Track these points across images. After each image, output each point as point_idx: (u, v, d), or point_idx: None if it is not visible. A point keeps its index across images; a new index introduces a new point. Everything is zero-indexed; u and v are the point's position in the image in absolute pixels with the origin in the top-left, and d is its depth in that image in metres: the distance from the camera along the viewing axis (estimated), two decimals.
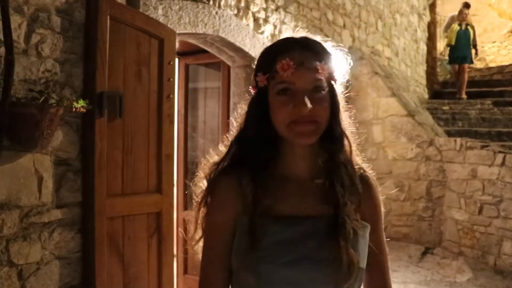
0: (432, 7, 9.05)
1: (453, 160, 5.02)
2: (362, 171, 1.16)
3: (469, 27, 8.15)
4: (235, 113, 3.46)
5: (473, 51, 8.26)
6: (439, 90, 9.03)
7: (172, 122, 2.90)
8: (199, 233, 1.16)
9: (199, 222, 1.16)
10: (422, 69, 8.54)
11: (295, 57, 1.03)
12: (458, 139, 4.99)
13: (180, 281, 4.09)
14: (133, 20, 2.65)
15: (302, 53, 1.04)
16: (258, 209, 1.05)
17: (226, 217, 1.09)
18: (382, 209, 1.19)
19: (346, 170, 1.10)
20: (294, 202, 1.08)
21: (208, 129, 4.44)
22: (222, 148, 1.19)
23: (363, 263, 1.06)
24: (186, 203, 4.33)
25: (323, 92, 1.04)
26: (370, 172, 1.18)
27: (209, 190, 1.12)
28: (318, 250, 1.02)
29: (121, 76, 2.61)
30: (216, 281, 1.09)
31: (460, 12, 8.14)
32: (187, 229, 1.26)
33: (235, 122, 1.20)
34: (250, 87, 1.15)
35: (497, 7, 12.11)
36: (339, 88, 1.11)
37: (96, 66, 2.46)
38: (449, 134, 5.84)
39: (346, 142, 1.11)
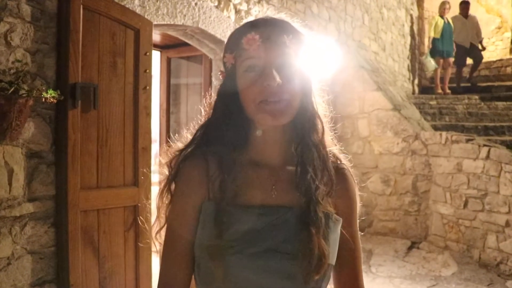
0: (420, 2, 9.04)
1: (439, 154, 5.01)
2: (338, 161, 1.10)
3: (450, 21, 8.05)
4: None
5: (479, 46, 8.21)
6: (427, 85, 9.04)
7: (148, 114, 2.85)
8: (162, 222, 1.11)
9: (161, 210, 1.10)
10: (409, 64, 8.54)
11: (260, 32, 0.99)
12: (444, 133, 4.98)
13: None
14: (107, 10, 2.60)
15: (268, 28, 1.00)
16: (225, 196, 0.99)
17: (191, 203, 1.03)
18: (358, 204, 1.12)
19: (318, 152, 1.04)
20: (264, 190, 1.02)
21: (190, 123, 4.39)
22: (187, 135, 1.14)
23: (333, 259, 1.01)
24: None
25: (292, 68, 0.99)
26: (346, 163, 1.12)
27: (173, 176, 1.07)
28: (286, 241, 0.97)
29: (95, 67, 2.56)
30: (180, 270, 1.04)
31: (442, 3, 8.04)
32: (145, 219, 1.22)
33: (203, 111, 1.15)
34: (219, 72, 1.12)
35: (485, 4, 12.14)
36: (309, 67, 1.05)
37: (69, 57, 2.41)
38: (436, 128, 5.83)
39: (318, 122, 1.05)
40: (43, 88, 2.24)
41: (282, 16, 1.06)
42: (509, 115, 6.78)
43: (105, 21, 2.60)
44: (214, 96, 1.11)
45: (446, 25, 7.94)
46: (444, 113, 6.78)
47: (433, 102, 7.34)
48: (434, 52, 8.09)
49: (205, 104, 1.14)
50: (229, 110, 1.03)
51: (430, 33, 8.14)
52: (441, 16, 7.95)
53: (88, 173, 2.52)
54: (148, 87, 2.82)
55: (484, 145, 4.53)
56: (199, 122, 1.13)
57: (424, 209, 5.20)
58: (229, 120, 1.03)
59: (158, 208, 1.11)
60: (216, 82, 4.07)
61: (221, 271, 0.95)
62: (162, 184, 1.09)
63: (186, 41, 3.74)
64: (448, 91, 7.98)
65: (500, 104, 7.27)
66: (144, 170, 2.76)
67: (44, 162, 2.43)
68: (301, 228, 0.97)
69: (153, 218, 1.20)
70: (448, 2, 8.03)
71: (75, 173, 2.43)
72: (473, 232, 4.65)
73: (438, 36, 7.95)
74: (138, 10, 2.84)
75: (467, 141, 4.70)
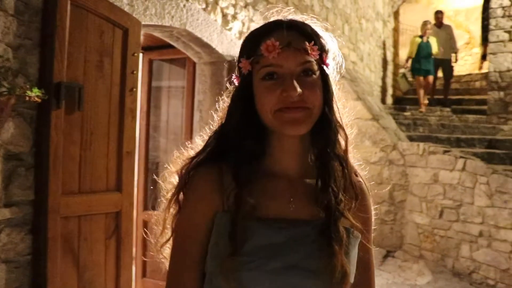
0: (396, 14, 9.22)
1: (416, 164, 5.08)
2: (355, 175, 1.03)
3: (430, 40, 7.88)
4: (199, 110, 3.30)
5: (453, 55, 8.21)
6: (401, 96, 9.21)
7: (134, 118, 2.75)
8: (168, 234, 1.04)
9: (167, 222, 1.03)
10: (385, 74, 8.68)
11: (281, 37, 0.92)
12: (421, 144, 5.06)
13: (138, 285, 3.91)
14: (96, 6, 2.49)
15: (289, 33, 0.93)
16: (241, 208, 0.92)
17: (203, 216, 0.96)
18: (373, 220, 1.07)
19: (341, 165, 0.98)
20: (281, 202, 0.96)
21: (171, 128, 4.29)
22: (199, 142, 1.07)
23: (352, 278, 0.95)
24: (146, 203, 4.16)
25: (314, 76, 0.93)
26: (362, 175, 1.06)
27: (183, 185, 0.99)
28: (307, 257, 0.91)
29: (81, 66, 2.44)
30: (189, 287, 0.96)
31: (424, 24, 7.90)
32: (149, 230, 1.13)
33: (216, 116, 1.09)
34: (233, 76, 1.05)
35: (454, 20, 12.52)
36: (332, 74, 0.99)
37: (53, 54, 2.29)
38: (411, 139, 5.92)
39: (341, 133, 0.99)
40: (27, 86, 2.11)
41: (304, 17, 1.00)
42: (479, 128, 6.97)
43: (93, 18, 2.49)
44: (227, 100, 1.04)
45: (424, 44, 7.77)
46: (418, 124, 6.91)
47: (407, 113, 7.47)
48: (413, 70, 8.04)
49: (218, 110, 1.08)
50: (244, 118, 0.97)
51: (409, 54, 7.99)
52: (421, 36, 7.83)
53: (70, 177, 2.39)
54: (134, 89, 2.72)
55: (461, 157, 4.63)
56: (212, 128, 1.07)
57: (400, 219, 5.26)
58: (245, 128, 0.97)
59: (165, 219, 1.04)
60: (200, 85, 4.00)
61: None
62: (170, 193, 1.02)
63: (172, 43, 3.65)
64: (423, 110, 7.73)
65: (471, 117, 7.48)
66: (128, 175, 2.65)
67: (23, 165, 2.30)
68: (323, 244, 0.92)
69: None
70: (430, 22, 7.98)
71: (57, 177, 2.31)
72: (448, 241, 4.73)
73: (412, 55, 7.79)
74: (126, 8, 2.74)
75: (444, 152, 4.79)
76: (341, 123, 0.99)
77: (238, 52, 1.07)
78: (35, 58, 2.32)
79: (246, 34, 1.04)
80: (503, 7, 7.39)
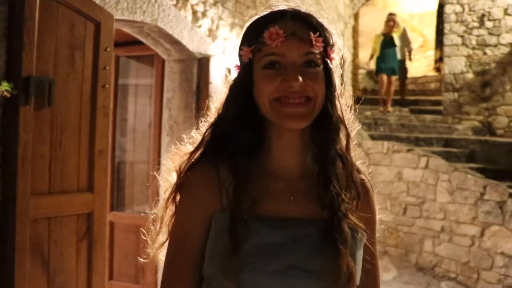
0: (356, 17, 9.42)
1: (380, 163, 5.20)
2: (358, 172, 1.01)
3: (394, 38, 7.72)
4: (168, 108, 3.23)
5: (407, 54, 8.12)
6: (360, 97, 9.40)
7: (106, 115, 2.64)
8: (164, 234, 0.99)
9: (165, 221, 0.99)
10: (343, 74, 8.82)
11: (285, 26, 0.90)
12: (386, 143, 5.18)
13: None
14: None
15: (294, 22, 0.91)
16: (241, 206, 0.88)
17: (199, 215, 0.92)
18: (377, 220, 1.04)
19: (343, 163, 0.96)
20: (281, 201, 0.92)
21: (138, 127, 4.18)
22: (196, 136, 1.02)
23: (358, 279, 0.92)
24: (113, 204, 4.03)
25: (317, 68, 0.91)
26: (365, 173, 1.04)
27: (180, 184, 0.95)
28: (308, 258, 0.87)
29: (51, 60, 2.32)
30: None
31: (387, 21, 7.82)
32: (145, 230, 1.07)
33: (213, 108, 1.04)
34: (234, 66, 1.01)
35: (409, 23, 12.95)
36: (335, 67, 0.97)
37: (22, 46, 2.16)
38: (373, 138, 6.06)
39: (343, 130, 0.96)
40: None
41: (309, 9, 0.97)
42: (436, 128, 7.23)
43: (64, 10, 2.37)
44: (225, 91, 1.00)
45: (387, 42, 7.63)
46: (379, 124, 7.08)
47: (368, 113, 7.64)
48: (377, 69, 7.88)
49: (213, 102, 1.04)
50: (242, 109, 0.93)
51: (372, 52, 7.90)
52: (384, 33, 7.73)
53: (40, 177, 2.27)
54: (107, 85, 2.61)
55: (424, 155, 4.78)
56: (208, 119, 1.02)
57: None
58: (242, 120, 0.93)
59: (162, 219, 1.00)
60: (169, 83, 3.91)
61: None
62: (168, 192, 0.98)
63: (141, 39, 3.54)
64: (389, 109, 7.69)
65: (428, 117, 7.74)
66: (101, 175, 2.55)
67: None
68: (326, 244, 0.89)
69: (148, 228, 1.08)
70: (392, 19, 7.80)
71: (26, 178, 2.18)
72: (411, 237, 4.87)
73: (375, 53, 7.72)
74: (97, 1, 2.63)
75: (408, 151, 4.93)
76: (343, 119, 0.97)
77: (207, 50, 1.03)
78: (1, 51, 2.18)
79: (248, 22, 1.00)
80: (456, 13, 7.71)
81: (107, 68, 2.60)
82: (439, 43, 9.16)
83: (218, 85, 3.98)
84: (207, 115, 1.03)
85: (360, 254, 0.94)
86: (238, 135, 0.93)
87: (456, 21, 7.70)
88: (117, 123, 4.15)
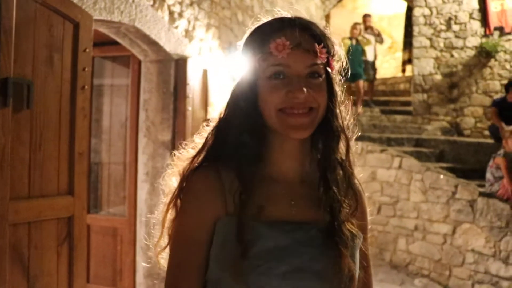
0: (327, 18, 9.54)
1: (354, 163, 5.29)
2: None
3: (360, 42, 7.64)
4: (145, 110, 3.23)
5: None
6: None
7: (86, 117, 2.60)
8: (166, 238, 1.00)
9: (166, 226, 0.99)
10: None
11: (291, 36, 0.91)
12: (360, 143, 5.28)
13: None
14: None
15: (299, 33, 0.92)
16: (247, 211, 0.90)
17: (203, 222, 0.93)
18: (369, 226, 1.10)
19: (343, 170, 0.99)
20: (283, 206, 0.95)
21: (114, 128, 4.12)
22: (198, 140, 1.03)
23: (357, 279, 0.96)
24: (89, 206, 3.95)
25: (320, 79, 0.94)
26: (357, 177, 1.08)
27: (182, 189, 0.96)
28: (313, 260, 0.91)
29: (29, 61, 2.27)
30: None
31: (353, 26, 7.79)
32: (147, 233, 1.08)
33: (214, 112, 1.06)
34: (236, 72, 1.02)
35: (378, 25, 13.22)
36: (336, 77, 1.00)
37: None
38: None
39: (343, 138, 0.99)
40: None
41: (312, 19, 1.00)
42: (406, 128, 7.41)
43: (42, 10, 2.32)
44: (228, 96, 1.01)
45: (354, 47, 7.49)
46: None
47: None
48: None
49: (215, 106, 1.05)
50: (245, 116, 0.95)
51: None
52: (350, 37, 7.63)
53: (19, 181, 2.21)
54: (86, 87, 2.57)
55: (397, 156, 4.89)
56: (210, 124, 1.03)
57: None
58: (245, 126, 0.95)
59: (163, 223, 1.00)
60: (146, 84, 3.87)
61: None
62: (169, 197, 0.99)
63: (118, 40, 3.50)
64: (360, 111, 7.45)
65: (398, 117, 7.92)
66: (80, 178, 2.50)
67: None
68: (328, 247, 0.92)
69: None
70: (359, 24, 7.93)
71: (4, 182, 2.11)
72: (386, 236, 4.98)
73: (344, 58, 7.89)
74: (75, 1, 2.59)
75: (381, 151, 5.04)
76: (343, 127, 0.99)
77: (184, 51, 1.04)
78: None
79: (252, 28, 1.00)
80: (424, 16, 7.92)
81: (86, 69, 2.56)
82: (408, 45, 9.36)
83: (195, 87, 3.97)
84: (209, 120, 1.04)
85: (358, 256, 0.97)
86: (243, 141, 0.94)
87: (425, 24, 7.91)
88: (92, 124, 4.07)
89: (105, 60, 4.09)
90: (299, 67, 0.91)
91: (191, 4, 4.13)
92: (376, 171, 5.04)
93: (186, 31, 4.06)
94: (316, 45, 0.93)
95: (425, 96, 7.82)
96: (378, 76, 10.31)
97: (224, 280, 0.89)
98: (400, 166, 4.83)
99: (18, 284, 2.21)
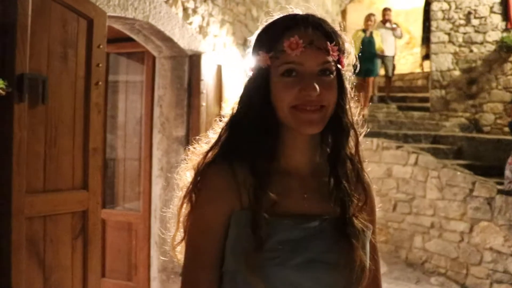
0: (344, 13, 9.46)
1: (370, 159, 5.25)
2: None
3: (374, 35, 7.27)
4: (160, 105, 3.24)
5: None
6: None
7: (100, 112, 2.63)
8: (181, 232, 1.02)
9: (181, 220, 1.01)
10: None
11: (303, 35, 0.93)
12: (375, 140, 5.23)
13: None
14: None
15: (311, 31, 0.94)
16: (262, 204, 0.92)
17: (218, 214, 0.95)
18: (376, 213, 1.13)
19: (352, 165, 1.02)
20: (296, 199, 0.98)
21: (129, 124, 4.16)
22: (212, 135, 1.05)
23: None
24: (104, 201, 4.01)
25: (331, 76, 0.96)
26: (366, 171, 1.10)
27: (196, 183, 0.98)
28: (326, 251, 0.93)
29: (44, 57, 2.30)
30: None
31: (368, 18, 7.35)
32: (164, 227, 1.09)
33: (227, 107, 1.07)
34: (248, 67, 1.03)
35: (395, 21, 13.06)
36: (347, 74, 1.02)
37: (15, 44, 2.14)
38: None
39: (352, 133, 1.02)
40: None
41: (323, 16, 1.01)
42: (423, 124, 7.32)
43: (57, 7, 2.35)
44: (240, 92, 1.03)
45: (366, 39, 7.09)
46: (367, 121, 7.11)
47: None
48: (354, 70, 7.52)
49: (227, 103, 1.08)
50: (258, 111, 0.97)
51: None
52: (364, 30, 7.25)
53: (35, 175, 2.25)
54: (100, 83, 2.60)
55: (413, 152, 4.83)
56: (223, 119, 1.05)
57: None
58: (259, 122, 0.97)
59: (178, 217, 1.02)
60: (161, 80, 3.89)
61: (262, 285, 0.90)
62: (184, 191, 1.00)
63: (132, 36, 3.53)
64: (365, 113, 6.85)
65: (416, 113, 7.82)
66: (95, 172, 2.53)
67: None
68: (339, 239, 0.95)
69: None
70: (374, 15, 7.54)
71: (21, 176, 2.16)
72: (401, 233, 4.93)
73: (356, 51, 7.48)
74: None
75: (397, 148, 4.98)
76: (353, 123, 1.02)
77: (198, 47, 1.05)
78: None
79: (264, 24, 1.02)
80: (443, 10, 7.79)
81: (100, 65, 2.58)
82: (425, 40, 9.22)
83: (209, 82, 3.98)
84: (223, 116, 1.06)
85: (368, 249, 1.00)
86: (256, 137, 0.96)
87: (443, 19, 7.78)
88: (107, 120, 4.12)
89: (121, 56, 4.13)
90: (312, 65, 0.94)
91: (205, 0, 4.13)
92: (392, 168, 4.99)
93: (200, 27, 4.07)
94: (328, 43, 0.95)
95: (443, 92, 7.71)
96: (395, 72, 10.22)
97: (240, 272, 0.92)
98: (416, 163, 4.77)
99: (34, 276, 2.25)
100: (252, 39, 1.02)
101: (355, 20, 10.70)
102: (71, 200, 2.44)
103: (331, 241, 0.95)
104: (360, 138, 1.04)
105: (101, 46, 2.60)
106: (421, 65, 10.19)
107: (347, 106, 1.00)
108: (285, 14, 1.00)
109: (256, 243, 0.89)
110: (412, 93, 9.16)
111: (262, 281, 0.89)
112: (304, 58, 0.93)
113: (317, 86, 0.92)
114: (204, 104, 3.82)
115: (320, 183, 1.00)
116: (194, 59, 3.85)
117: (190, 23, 3.91)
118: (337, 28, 1.00)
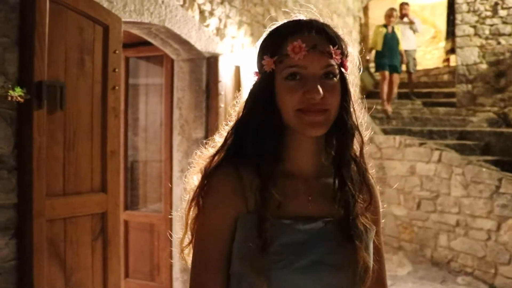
0: (366, 10, 9.35)
1: (393, 157, 5.18)
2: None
3: (395, 30, 7.09)
4: (179, 108, 3.28)
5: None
6: (372, 90, 9.35)
7: (117, 116, 2.69)
8: (189, 235, 1.04)
9: (189, 222, 1.04)
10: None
11: (306, 39, 0.95)
12: (397, 137, 5.15)
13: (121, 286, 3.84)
14: (75, 3, 2.42)
15: (315, 35, 0.96)
16: (267, 208, 0.94)
17: (224, 217, 0.97)
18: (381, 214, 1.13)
19: (357, 166, 1.03)
20: (301, 201, 1.00)
21: (150, 127, 4.23)
22: (218, 139, 1.08)
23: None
24: (127, 203, 4.09)
25: (334, 79, 0.97)
26: (371, 172, 1.10)
27: (203, 187, 1.00)
28: (330, 253, 0.95)
29: (62, 64, 2.37)
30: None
31: (389, 13, 7.10)
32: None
33: (233, 111, 1.09)
34: (253, 71, 1.05)
35: (420, 15, 12.81)
36: (350, 77, 1.03)
37: (34, 52, 2.22)
38: (386, 132, 6.03)
39: (357, 135, 1.03)
40: (9, 86, 2.03)
41: (326, 20, 1.03)
42: (449, 120, 7.16)
43: (73, 15, 2.42)
44: (245, 96, 1.06)
45: (389, 35, 6.95)
46: (391, 117, 7.03)
47: (380, 107, 7.58)
48: (378, 65, 7.12)
49: (235, 105, 1.09)
50: (263, 115, 0.99)
51: (372, 44, 7.13)
52: (385, 25, 7.08)
53: (54, 179, 2.32)
54: (117, 87, 2.66)
55: (436, 149, 4.74)
56: (229, 123, 1.08)
57: None
58: (265, 126, 0.99)
59: (186, 220, 1.04)
60: (179, 83, 3.95)
61: (267, 287, 0.91)
62: (191, 194, 1.03)
63: (150, 40, 3.59)
64: (389, 110, 7.00)
65: (441, 109, 7.66)
66: (113, 175, 2.60)
67: (5, 167, 2.21)
68: (343, 240, 0.96)
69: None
70: (395, 10, 7.35)
71: (41, 179, 2.23)
72: (426, 232, 4.84)
73: (379, 48, 6.91)
74: (105, 5, 2.68)
75: (420, 145, 4.90)
76: (357, 125, 1.03)
77: (216, 49, 1.07)
78: (14, 56, 2.23)
79: (269, 30, 1.04)
80: (467, 3, 7.60)
81: (116, 70, 2.64)
82: (450, 34, 9.02)
83: (227, 84, 4.01)
84: (228, 121, 1.09)
85: (371, 250, 1.01)
86: (261, 140, 0.98)
87: (468, 11, 7.59)
88: (129, 123, 4.20)
89: (141, 60, 4.20)
90: (315, 68, 0.95)
91: (222, 2, 4.16)
92: (415, 165, 4.91)
93: (218, 29, 4.10)
94: (331, 47, 0.96)
95: (469, 86, 7.52)
96: (420, 67, 10.03)
97: (245, 275, 0.94)
98: (439, 160, 4.67)
99: (55, 276, 2.33)
100: (257, 44, 1.04)
101: (378, 17, 10.57)
102: (90, 202, 2.51)
103: (335, 242, 0.96)
104: (365, 140, 1.05)
105: (117, 51, 2.66)
106: (446, 60, 9.96)
107: (351, 109, 1.02)
108: (289, 20, 1.03)
109: (261, 245, 0.91)
110: (438, 88, 8.97)
111: (267, 284, 0.91)
112: (308, 61, 0.95)
113: (320, 89, 0.93)
114: (222, 105, 3.84)
115: (325, 186, 1.02)
116: (212, 61, 3.88)
117: (207, 26, 3.94)
118: (340, 32, 1.02)
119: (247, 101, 1.04)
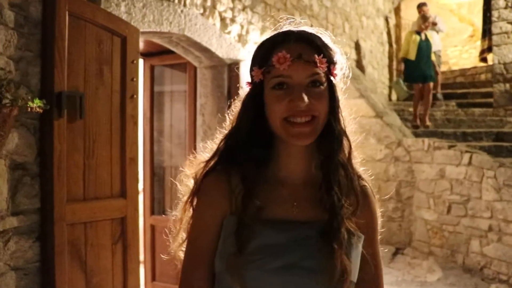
0: (397, 10, 9.19)
1: (422, 160, 5.06)
2: (360, 179, 1.09)
3: (428, 36, 6.60)
4: (202, 114, 3.33)
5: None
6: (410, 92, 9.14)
7: (136, 124, 2.78)
8: (183, 235, 1.10)
9: (183, 223, 1.10)
10: (388, 71, 8.66)
11: (291, 49, 0.98)
12: (426, 140, 5.04)
13: None
14: (93, 16, 2.53)
15: (299, 45, 0.99)
16: (247, 210, 0.99)
17: (213, 219, 1.03)
18: (379, 222, 1.12)
19: (345, 172, 1.04)
20: (285, 206, 1.02)
21: (175, 133, 4.33)
22: (212, 146, 1.13)
23: (355, 276, 1.00)
24: (153, 208, 4.20)
25: (321, 87, 0.99)
26: (366, 178, 1.12)
27: (196, 190, 1.06)
28: (306, 257, 0.97)
29: (81, 75, 2.48)
30: (200, 286, 1.02)
31: (423, 19, 6.54)
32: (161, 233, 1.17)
33: (228, 120, 1.14)
34: (246, 82, 1.09)
35: (457, 13, 12.45)
36: (338, 84, 1.05)
37: (54, 64, 2.33)
38: (417, 135, 5.90)
39: (345, 141, 1.05)
40: (29, 97, 2.15)
41: (314, 30, 1.06)
42: (485, 121, 6.93)
43: (91, 28, 2.53)
44: (238, 105, 1.10)
45: (423, 43, 6.48)
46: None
47: (412, 109, 7.43)
48: (409, 76, 6.60)
49: (229, 114, 1.13)
50: (254, 124, 1.03)
51: (403, 54, 6.61)
52: (418, 32, 6.55)
53: (75, 185, 2.43)
54: (135, 96, 2.75)
55: (466, 151, 4.60)
56: (223, 131, 1.13)
57: (408, 215, 5.24)
58: (254, 134, 1.03)
59: (181, 221, 1.10)
60: (202, 89, 4.03)
61: (239, 286, 0.95)
62: (185, 197, 1.09)
63: (171, 48, 3.69)
64: (428, 123, 6.49)
65: (477, 110, 7.42)
66: (132, 181, 2.68)
67: (28, 174, 2.33)
68: (323, 244, 0.97)
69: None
70: (430, 16, 6.74)
71: (62, 185, 2.34)
72: (457, 237, 4.70)
73: (412, 57, 6.38)
74: (124, 17, 2.78)
75: (449, 147, 4.77)
76: (345, 131, 1.05)
77: (237, 55, 1.12)
78: (36, 69, 2.36)
79: (259, 42, 1.10)
80: None
81: (134, 79, 2.74)
82: (487, 32, 8.72)
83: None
84: (223, 127, 1.14)
85: (356, 254, 1.01)
86: (250, 147, 1.03)
87: (506, 7, 7.33)
88: (155, 129, 4.31)
89: (165, 68, 4.31)
90: (300, 77, 0.98)
91: (244, 9, 4.22)
92: (444, 169, 4.78)
93: (239, 35, 4.16)
94: (316, 55, 0.99)
95: (507, 86, 7.24)
96: (457, 67, 9.75)
97: (223, 275, 0.98)
98: (470, 163, 4.53)
99: (77, 278, 2.43)
100: (250, 56, 1.09)
101: (411, 17, 10.36)
102: (110, 207, 2.61)
103: (314, 247, 0.97)
104: (353, 145, 1.07)
105: (134, 61, 2.75)
106: (483, 59, 9.62)
107: (340, 115, 1.04)
108: (278, 31, 1.06)
109: (237, 246, 0.95)
110: (475, 88, 8.70)
111: (240, 284, 0.94)
112: (293, 71, 0.97)
113: (305, 97, 0.95)
114: None
115: (313, 192, 1.03)
116: (233, 68, 3.94)
117: (229, 33, 4.01)
118: (328, 40, 1.04)
119: (239, 110, 1.08)
